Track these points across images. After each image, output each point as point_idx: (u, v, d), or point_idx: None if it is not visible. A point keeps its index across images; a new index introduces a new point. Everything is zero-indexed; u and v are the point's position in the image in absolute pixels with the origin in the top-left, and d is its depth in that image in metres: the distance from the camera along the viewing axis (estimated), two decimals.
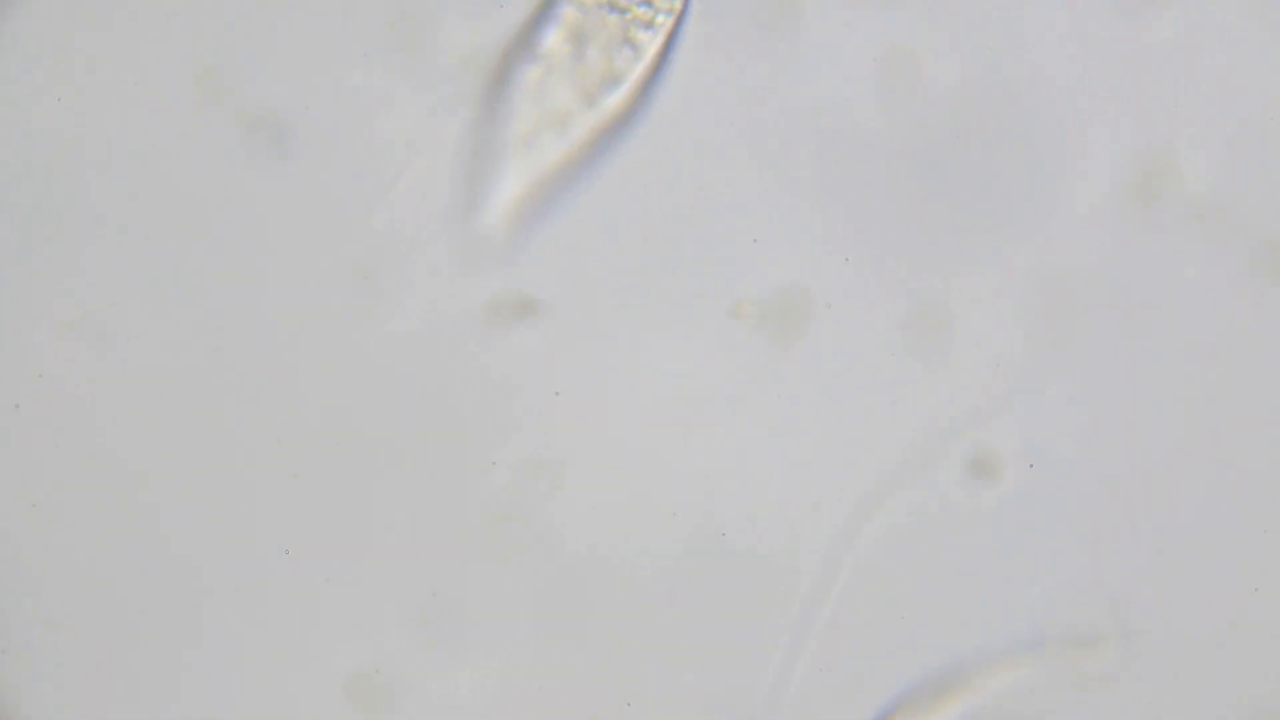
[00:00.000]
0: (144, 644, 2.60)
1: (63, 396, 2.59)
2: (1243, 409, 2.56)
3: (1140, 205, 2.53)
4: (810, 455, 2.60)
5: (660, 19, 2.45)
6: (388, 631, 2.62)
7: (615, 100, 2.52)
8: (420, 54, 2.54)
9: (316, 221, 2.58)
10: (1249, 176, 2.55)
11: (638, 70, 2.47)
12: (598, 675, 2.61)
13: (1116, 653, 2.55)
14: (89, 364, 2.60)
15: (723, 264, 2.59)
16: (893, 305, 2.57)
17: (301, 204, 2.58)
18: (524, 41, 2.48)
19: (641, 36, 2.47)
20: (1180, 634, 2.54)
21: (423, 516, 2.61)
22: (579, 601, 2.61)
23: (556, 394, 2.59)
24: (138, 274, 2.61)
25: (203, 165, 2.58)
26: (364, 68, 2.53)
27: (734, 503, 2.60)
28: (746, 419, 2.60)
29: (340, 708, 2.61)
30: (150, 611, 2.60)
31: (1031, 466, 2.57)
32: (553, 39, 2.49)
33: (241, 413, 2.60)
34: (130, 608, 2.60)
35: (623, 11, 2.40)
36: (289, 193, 2.58)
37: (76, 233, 2.60)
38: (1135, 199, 2.53)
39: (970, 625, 2.56)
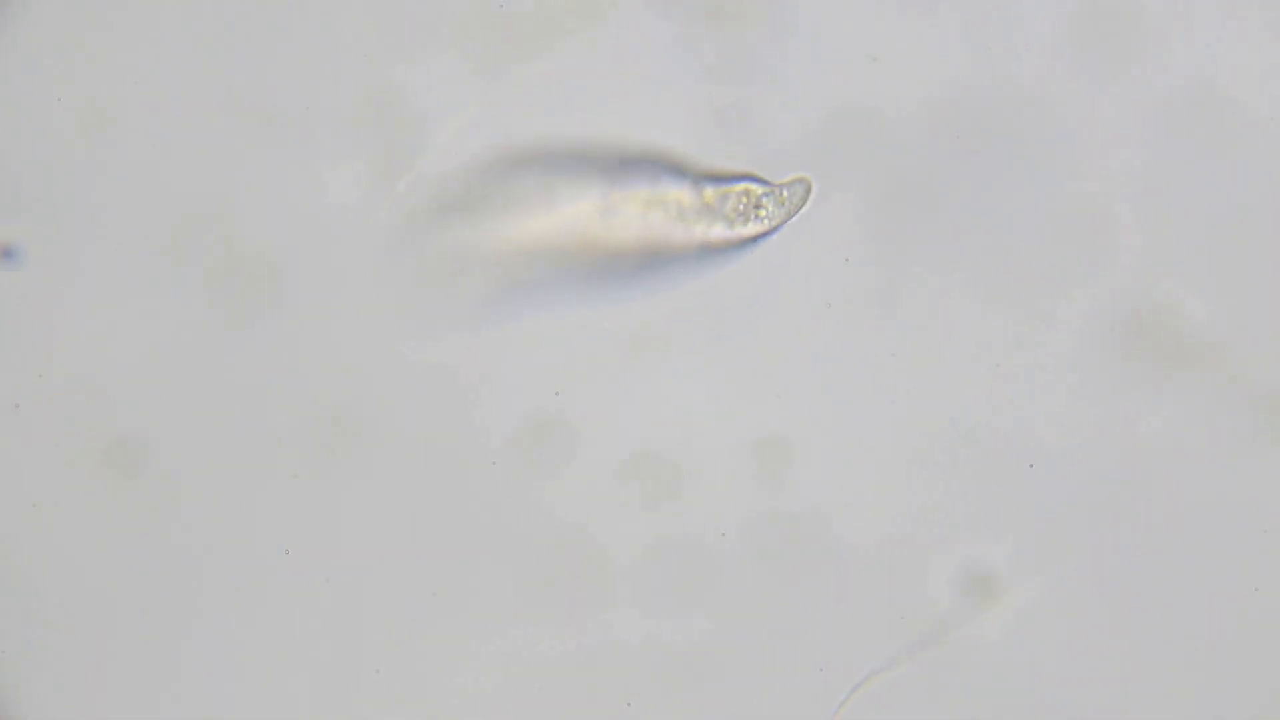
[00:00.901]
0: (143, 644, 2.60)
1: (63, 396, 2.59)
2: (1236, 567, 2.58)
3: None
4: (809, 454, 2.60)
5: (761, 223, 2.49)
6: (387, 632, 2.62)
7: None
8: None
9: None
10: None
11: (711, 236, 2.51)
12: (597, 675, 2.61)
13: None
14: (89, 362, 2.60)
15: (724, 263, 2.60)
16: (893, 305, 2.58)
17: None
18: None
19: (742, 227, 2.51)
20: None
21: (423, 517, 2.61)
22: (579, 603, 2.61)
23: (556, 394, 2.59)
24: (133, 272, 2.61)
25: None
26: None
27: (734, 501, 2.60)
28: (745, 418, 2.60)
29: (340, 707, 2.61)
30: (150, 611, 2.60)
31: (1031, 466, 2.57)
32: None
33: (241, 411, 2.60)
34: (130, 608, 2.60)
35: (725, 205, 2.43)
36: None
37: (74, 232, 2.60)
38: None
39: None
